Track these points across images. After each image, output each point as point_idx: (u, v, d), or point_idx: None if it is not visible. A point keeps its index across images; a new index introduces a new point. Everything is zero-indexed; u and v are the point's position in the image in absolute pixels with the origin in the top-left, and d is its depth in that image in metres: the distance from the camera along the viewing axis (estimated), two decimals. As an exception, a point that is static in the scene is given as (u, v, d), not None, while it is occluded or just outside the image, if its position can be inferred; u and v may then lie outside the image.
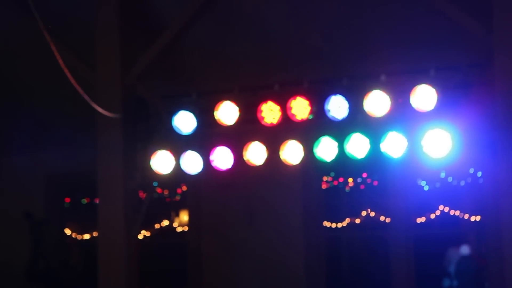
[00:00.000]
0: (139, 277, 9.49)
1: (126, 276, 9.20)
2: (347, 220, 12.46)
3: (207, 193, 12.21)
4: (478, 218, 11.86)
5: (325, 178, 12.39)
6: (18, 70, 11.19)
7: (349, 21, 9.52)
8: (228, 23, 9.86)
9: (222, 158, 8.97)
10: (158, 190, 12.99)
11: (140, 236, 11.54)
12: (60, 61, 7.81)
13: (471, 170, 11.62)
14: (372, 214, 12.37)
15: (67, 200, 13.91)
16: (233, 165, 8.96)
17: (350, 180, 12.30)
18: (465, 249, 11.09)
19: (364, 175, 12.19)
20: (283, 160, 8.84)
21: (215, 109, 8.86)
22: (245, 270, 12.03)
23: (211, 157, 8.99)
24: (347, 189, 12.37)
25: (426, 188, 12.03)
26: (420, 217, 12.09)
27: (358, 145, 8.45)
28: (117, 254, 9.25)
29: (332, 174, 12.35)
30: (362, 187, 12.28)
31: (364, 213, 12.40)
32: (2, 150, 13.12)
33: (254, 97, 8.81)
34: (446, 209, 12.03)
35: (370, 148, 8.43)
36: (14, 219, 12.45)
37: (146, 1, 9.73)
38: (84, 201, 13.67)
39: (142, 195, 9.80)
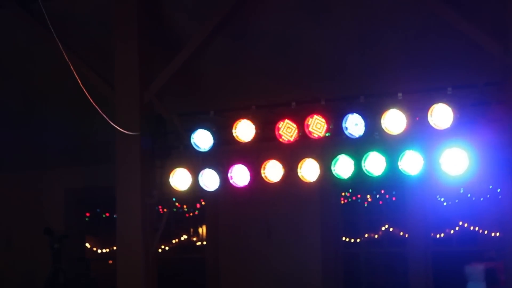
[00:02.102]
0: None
1: (145, 290, 9.27)
2: (366, 236, 12.40)
3: (225, 208, 12.22)
4: (497, 234, 11.74)
5: (343, 194, 12.33)
6: (40, 88, 11.30)
7: (367, 40, 9.52)
8: (245, 41, 9.90)
9: (240, 175, 9.01)
10: (177, 205, 13.01)
11: (159, 250, 11.58)
12: (79, 80, 7.94)
13: (491, 186, 11.52)
14: (391, 229, 12.30)
15: (87, 214, 13.98)
16: (250, 182, 8.99)
17: (368, 196, 12.24)
18: (488, 264, 11.05)
19: (382, 191, 12.13)
20: (301, 177, 8.86)
21: (233, 126, 8.91)
22: (262, 285, 12.01)
23: (229, 174, 9.03)
24: (365, 204, 12.32)
25: (445, 204, 11.94)
26: (439, 232, 11.99)
27: (375, 163, 8.46)
28: (135, 269, 9.32)
29: (350, 190, 12.29)
30: (380, 202, 12.22)
31: (383, 229, 12.34)
32: (22, 165, 13.23)
33: (271, 114, 8.85)
34: (466, 225, 11.93)
35: (387, 166, 8.43)
36: (35, 233, 12.53)
37: (164, 19, 9.81)
38: (104, 215, 13.73)
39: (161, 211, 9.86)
